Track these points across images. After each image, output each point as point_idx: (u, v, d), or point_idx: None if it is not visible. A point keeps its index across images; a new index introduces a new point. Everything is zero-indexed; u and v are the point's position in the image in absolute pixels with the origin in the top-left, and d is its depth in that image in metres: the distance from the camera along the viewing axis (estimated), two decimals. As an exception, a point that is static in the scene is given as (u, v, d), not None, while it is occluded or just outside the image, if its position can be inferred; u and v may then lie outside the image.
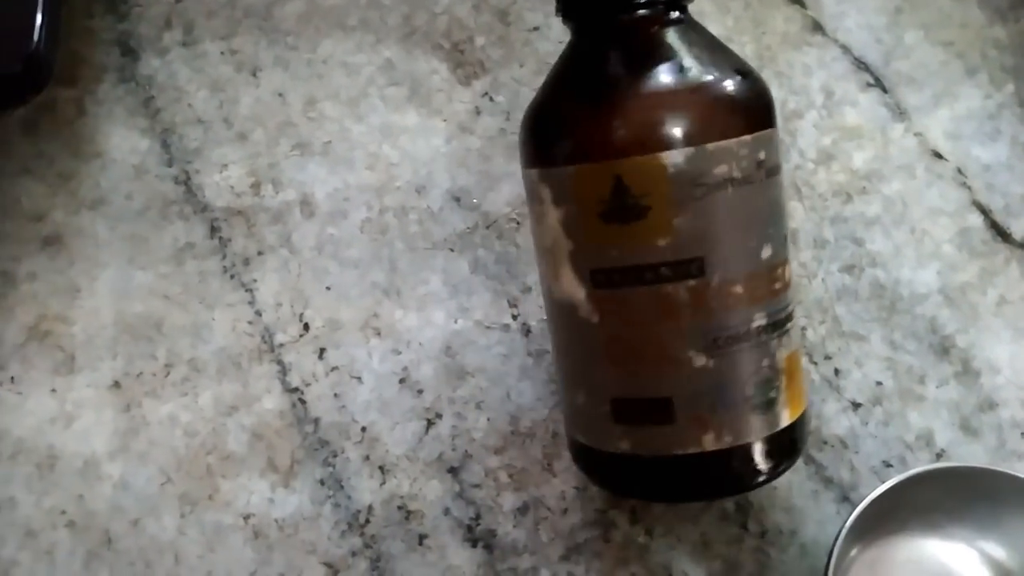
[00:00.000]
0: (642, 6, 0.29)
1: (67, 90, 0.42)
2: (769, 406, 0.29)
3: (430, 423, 0.37)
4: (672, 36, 0.29)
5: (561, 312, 0.31)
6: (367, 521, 0.35)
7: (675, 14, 0.30)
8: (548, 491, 0.36)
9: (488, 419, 0.37)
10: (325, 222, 0.40)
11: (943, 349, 0.39)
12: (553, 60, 0.44)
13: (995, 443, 0.37)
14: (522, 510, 0.35)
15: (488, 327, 0.39)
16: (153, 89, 0.43)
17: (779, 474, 0.31)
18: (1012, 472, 0.32)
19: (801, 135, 0.43)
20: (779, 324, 0.30)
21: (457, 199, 0.41)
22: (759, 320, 0.29)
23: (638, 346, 0.29)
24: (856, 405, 0.38)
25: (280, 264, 0.39)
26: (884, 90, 0.44)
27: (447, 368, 0.38)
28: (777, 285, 0.30)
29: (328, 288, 0.39)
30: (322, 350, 0.38)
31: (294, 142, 0.42)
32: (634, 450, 0.30)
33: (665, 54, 0.29)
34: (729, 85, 0.29)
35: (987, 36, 0.45)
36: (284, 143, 0.42)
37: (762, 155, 0.29)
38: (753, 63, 0.31)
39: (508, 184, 0.41)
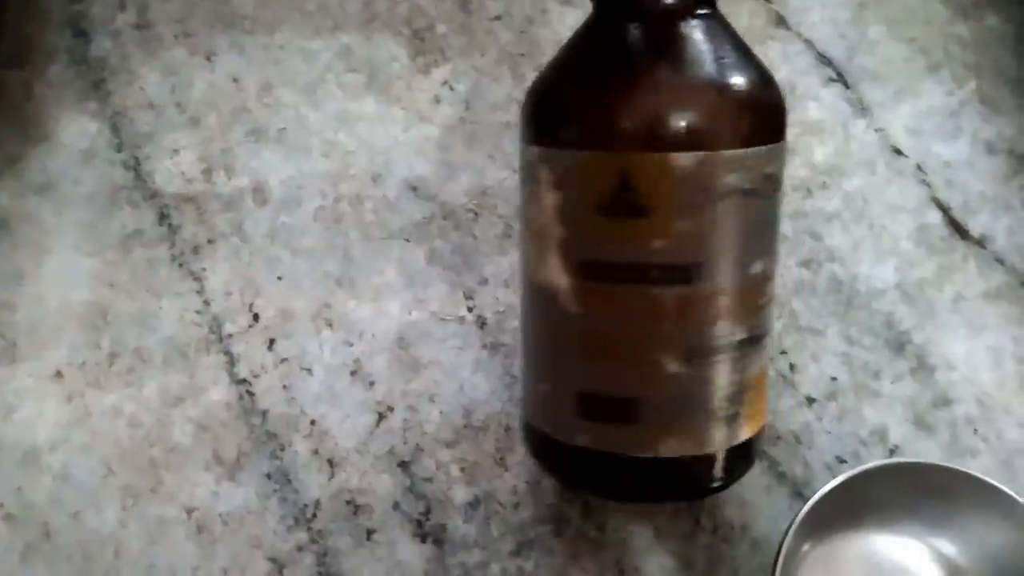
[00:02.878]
0: None
1: (16, 72, 0.41)
2: (732, 419, 0.29)
3: (381, 416, 0.36)
4: (699, 29, 0.28)
5: (539, 297, 0.30)
6: (314, 516, 0.34)
7: (704, 9, 0.28)
8: (500, 485, 0.35)
9: (441, 412, 0.37)
10: (278, 210, 0.39)
11: (899, 345, 0.39)
12: (515, 49, 0.43)
13: (949, 439, 0.37)
14: (473, 504, 0.35)
15: (443, 319, 0.38)
16: (105, 72, 0.42)
17: (731, 484, 0.31)
18: (964, 469, 0.32)
19: (763, 129, 0.42)
20: (757, 339, 0.29)
21: (414, 188, 0.40)
22: (740, 334, 0.28)
23: (613, 343, 0.28)
24: (811, 400, 0.37)
25: (231, 252, 0.39)
26: (846, 85, 0.43)
27: (400, 360, 0.37)
28: (762, 300, 0.29)
29: (280, 278, 0.38)
30: (272, 341, 0.37)
31: (248, 128, 0.41)
32: (593, 446, 0.29)
33: (690, 48, 0.27)
34: (753, 91, 0.28)
35: (950, 33, 0.45)
36: (238, 129, 0.41)
37: (771, 168, 0.28)
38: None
39: (467, 174, 0.41)
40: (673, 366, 0.28)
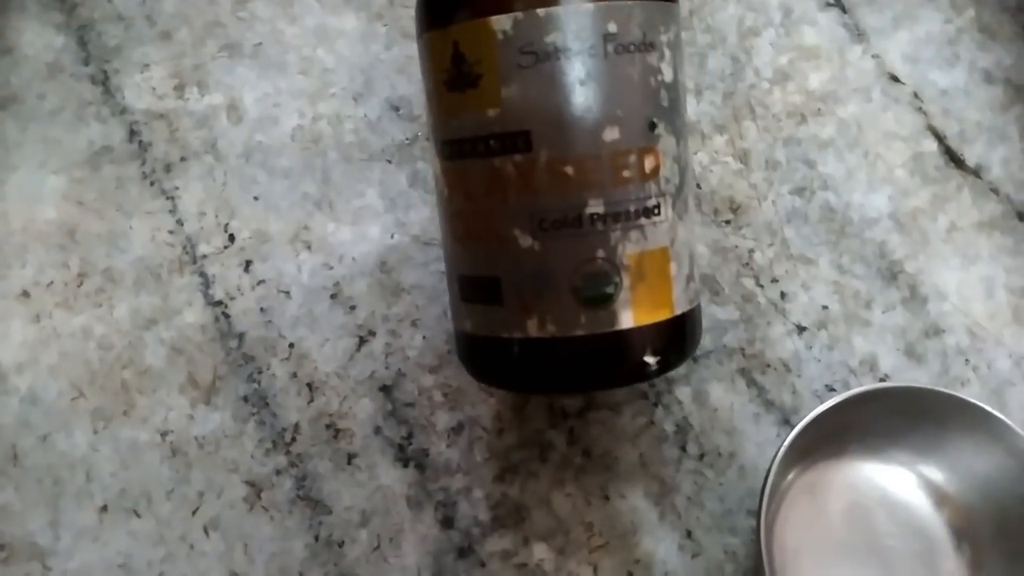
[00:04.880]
0: None
1: (-26, -20, 0.39)
2: (602, 301, 0.27)
3: (362, 340, 0.35)
4: None
5: (436, 187, 0.30)
6: (293, 439, 0.34)
7: None
8: (484, 411, 0.35)
9: (424, 337, 0.36)
10: (254, 128, 0.38)
11: (891, 274, 0.38)
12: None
13: (939, 369, 0.36)
14: (456, 430, 0.34)
15: (426, 243, 0.37)
16: (69, -18, 0.40)
17: (618, 382, 0.29)
18: (951, 392, 0.32)
19: (757, 53, 0.41)
20: (623, 216, 0.27)
21: (396, 108, 0.39)
22: (593, 207, 0.26)
23: (473, 223, 0.28)
24: (801, 329, 0.37)
25: (204, 171, 0.37)
26: (843, 10, 0.42)
27: (382, 284, 0.36)
28: (626, 173, 0.27)
29: (256, 198, 0.37)
30: (248, 263, 0.36)
31: (222, 43, 0.39)
32: (473, 330, 0.29)
33: None
34: None
35: (950, -42, 0.43)
36: (211, 44, 0.39)
37: (611, 27, 0.26)
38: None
39: (451, 95, 0.39)
40: (524, 240, 0.27)
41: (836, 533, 0.33)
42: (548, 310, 0.27)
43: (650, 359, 0.28)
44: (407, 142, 0.38)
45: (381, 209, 0.37)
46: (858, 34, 0.42)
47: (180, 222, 0.36)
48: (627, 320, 0.27)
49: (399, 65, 0.39)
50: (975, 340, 0.37)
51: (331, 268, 0.36)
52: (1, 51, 0.38)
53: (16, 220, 0.36)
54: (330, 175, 0.38)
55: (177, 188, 0.37)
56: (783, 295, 0.37)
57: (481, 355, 0.29)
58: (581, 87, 0.26)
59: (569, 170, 0.26)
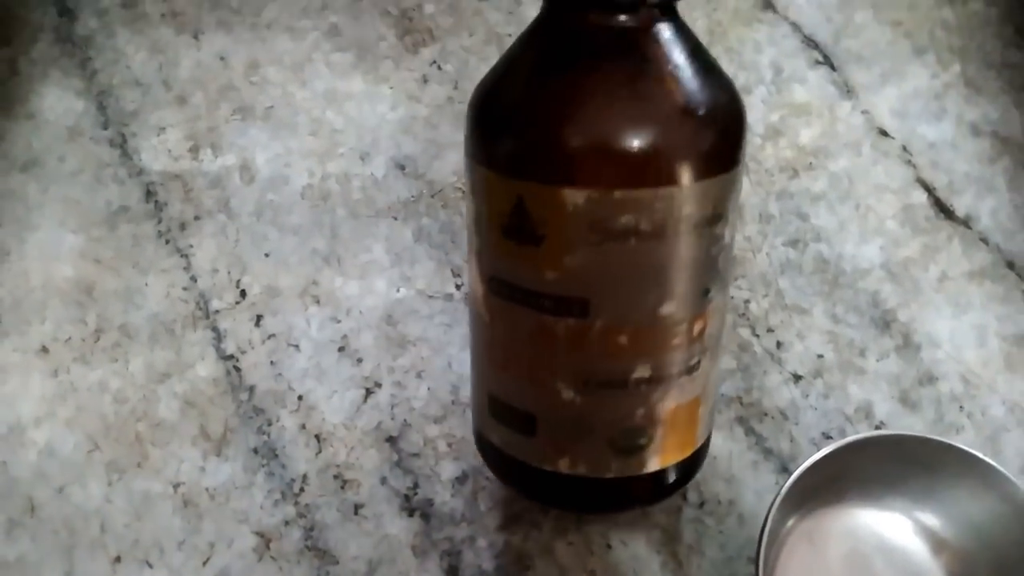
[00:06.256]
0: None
1: (1, 49, 0.41)
2: (634, 451, 0.28)
3: (369, 392, 0.36)
4: (629, 45, 0.25)
5: (469, 298, 0.30)
6: (302, 490, 0.34)
7: (665, 19, 0.25)
8: (487, 461, 0.35)
9: (428, 388, 0.37)
10: (265, 188, 0.39)
11: (884, 323, 0.39)
12: (503, 29, 0.43)
13: (933, 416, 0.37)
14: (460, 479, 0.35)
15: (431, 296, 0.38)
16: (90, 50, 0.42)
17: (639, 506, 0.32)
18: (946, 440, 0.32)
19: (750, 111, 0.42)
20: (667, 378, 0.27)
21: (402, 167, 0.40)
22: (641, 372, 0.27)
23: (513, 359, 0.28)
24: (797, 377, 0.38)
25: (217, 229, 0.38)
26: (833, 68, 0.44)
27: (388, 337, 0.37)
28: (676, 340, 0.27)
29: (267, 255, 0.38)
30: (259, 317, 0.37)
31: (235, 106, 0.41)
32: (502, 447, 0.30)
33: (600, 78, 0.24)
34: (668, 130, 0.24)
35: (935, 17, 0.45)
36: (225, 107, 0.41)
37: (687, 208, 0.25)
38: (703, 39, 0.30)
39: (454, 153, 0.41)
40: (566, 393, 0.27)
41: (835, 580, 0.33)
42: (581, 453, 0.28)
43: (670, 482, 0.30)
44: (412, 199, 0.40)
45: (387, 264, 0.39)
46: (847, 90, 0.44)
47: (194, 279, 0.38)
48: (655, 464, 0.29)
49: (404, 125, 0.41)
50: (968, 387, 0.38)
51: (338, 321, 0.37)
52: (24, 116, 0.40)
53: (36, 278, 0.37)
54: (338, 231, 0.39)
55: (191, 246, 0.38)
56: (779, 344, 0.38)
57: (507, 469, 0.30)
58: (648, 266, 0.25)
59: (623, 340, 0.26)
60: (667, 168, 0.24)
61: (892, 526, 0.34)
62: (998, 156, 0.43)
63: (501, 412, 0.29)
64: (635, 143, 0.24)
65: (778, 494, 0.31)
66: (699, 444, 0.30)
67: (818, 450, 0.33)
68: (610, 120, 0.24)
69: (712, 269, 0.27)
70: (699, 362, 0.28)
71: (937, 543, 0.34)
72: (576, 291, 0.25)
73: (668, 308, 0.26)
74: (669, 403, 0.28)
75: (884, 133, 0.43)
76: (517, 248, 0.26)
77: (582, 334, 0.26)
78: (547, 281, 0.25)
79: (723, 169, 0.25)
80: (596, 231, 0.24)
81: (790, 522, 0.34)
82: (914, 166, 0.42)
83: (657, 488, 0.30)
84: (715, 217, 0.26)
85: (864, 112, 0.43)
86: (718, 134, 0.25)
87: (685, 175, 0.24)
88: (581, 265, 0.25)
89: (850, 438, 0.33)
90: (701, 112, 0.25)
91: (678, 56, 0.25)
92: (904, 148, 0.43)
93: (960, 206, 0.42)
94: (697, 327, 0.27)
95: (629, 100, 0.24)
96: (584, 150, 0.24)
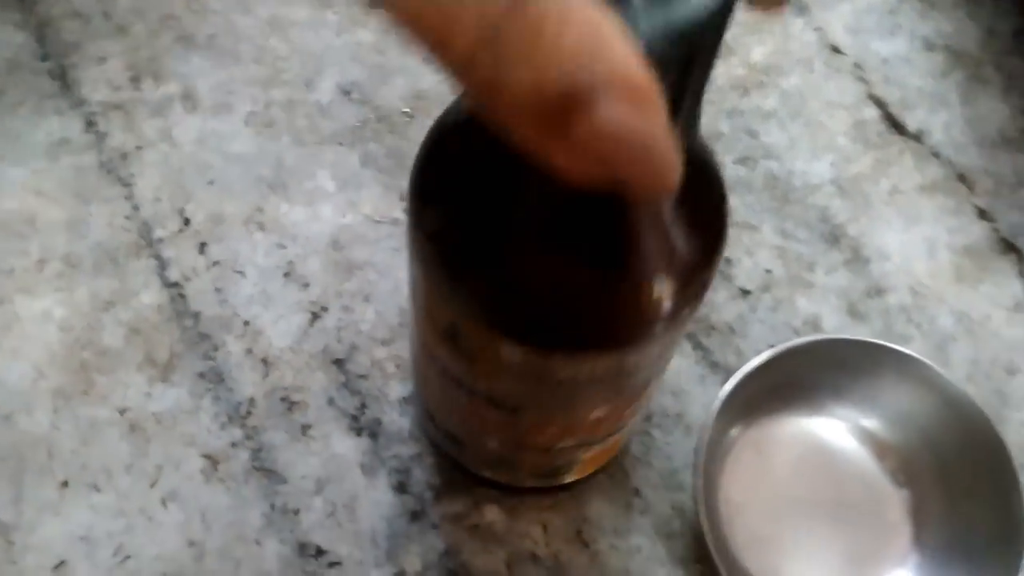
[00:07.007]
0: None
1: (-65, -18, 0.40)
2: (554, 476, 0.31)
3: (315, 316, 0.36)
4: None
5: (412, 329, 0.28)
6: (249, 413, 0.34)
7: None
8: (435, 381, 0.35)
9: (376, 311, 0.36)
10: (208, 116, 0.39)
11: (834, 238, 0.39)
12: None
13: (882, 327, 0.37)
14: (408, 399, 0.35)
15: (378, 221, 0.38)
16: (28, -18, 0.41)
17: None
18: (886, 343, 0.33)
19: (700, 29, 0.42)
20: (595, 443, 0.28)
21: (348, 93, 0.40)
22: (567, 443, 0.27)
23: (446, 404, 0.28)
24: (745, 292, 0.37)
25: (160, 159, 0.38)
26: (785, -15, 0.43)
27: (335, 262, 0.37)
28: (604, 427, 0.27)
29: (210, 183, 0.38)
30: (203, 244, 0.37)
31: (177, 35, 0.40)
32: (433, 439, 0.33)
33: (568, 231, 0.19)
34: (623, 309, 0.21)
35: (889, -68, 0.44)
36: (166, 36, 0.40)
37: (629, 362, 0.23)
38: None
39: (401, 78, 0.40)
40: (494, 444, 0.29)
41: (782, 486, 0.34)
42: (504, 474, 0.32)
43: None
44: (358, 125, 0.39)
45: (333, 189, 0.38)
46: (800, 7, 0.43)
47: (136, 207, 0.37)
48: (571, 477, 0.32)
49: (350, 51, 0.40)
50: (917, 298, 0.38)
51: (284, 247, 0.37)
52: (-37, 50, 0.40)
53: (-22, 211, 0.37)
54: (283, 159, 0.39)
55: (133, 175, 0.38)
56: (728, 261, 0.38)
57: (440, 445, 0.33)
58: (584, 396, 0.24)
59: (553, 430, 0.26)
60: (613, 338, 0.21)
61: (837, 432, 0.34)
62: (951, 70, 0.42)
63: (434, 421, 0.31)
64: (586, 315, 0.21)
65: (717, 400, 0.31)
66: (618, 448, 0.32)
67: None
68: (563, 287, 0.20)
69: (655, 379, 0.26)
70: (624, 424, 0.29)
71: (881, 448, 0.34)
72: (508, 402, 0.25)
73: (600, 413, 0.26)
74: (592, 451, 0.29)
75: (836, 50, 0.43)
76: (452, 350, 0.24)
77: (515, 423, 0.26)
78: (478, 387, 0.25)
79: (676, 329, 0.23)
80: (531, 377, 0.23)
81: (735, 431, 0.34)
82: (866, 82, 0.42)
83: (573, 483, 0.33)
84: (660, 357, 0.24)
85: (817, 29, 0.43)
86: (679, 311, 0.22)
87: (633, 342, 0.22)
88: (512, 390, 0.24)
89: (790, 342, 0.33)
90: (667, 305, 0.21)
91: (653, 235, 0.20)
92: (856, 64, 0.42)
93: (912, 121, 0.41)
94: (630, 410, 0.27)
95: (586, 273, 0.20)
96: (532, 311, 0.21)
